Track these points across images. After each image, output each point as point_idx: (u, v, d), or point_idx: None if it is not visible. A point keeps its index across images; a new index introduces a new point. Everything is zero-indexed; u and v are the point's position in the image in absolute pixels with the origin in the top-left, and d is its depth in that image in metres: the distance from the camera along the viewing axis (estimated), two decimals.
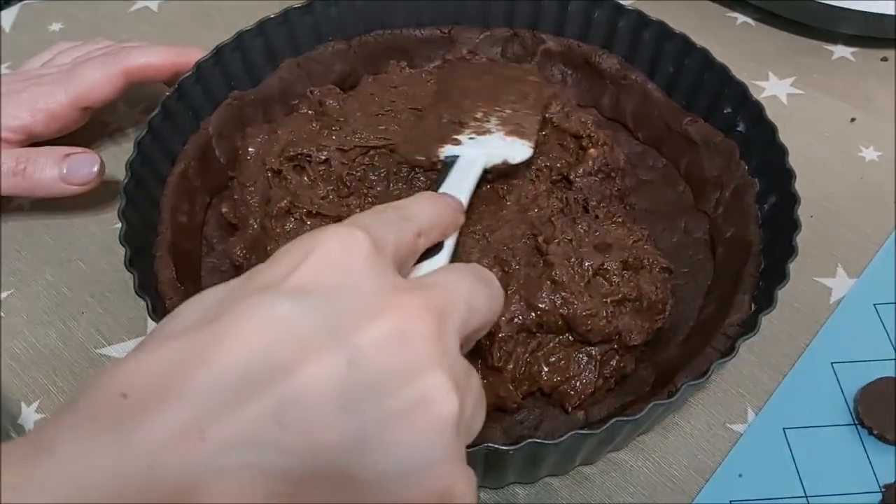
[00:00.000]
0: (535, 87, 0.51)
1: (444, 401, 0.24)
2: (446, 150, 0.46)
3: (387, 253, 0.28)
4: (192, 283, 0.45)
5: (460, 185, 0.41)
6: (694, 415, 0.44)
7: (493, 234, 0.44)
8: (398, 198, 0.46)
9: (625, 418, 0.35)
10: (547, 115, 0.50)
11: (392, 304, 0.25)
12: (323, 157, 0.47)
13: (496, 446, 0.34)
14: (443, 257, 0.34)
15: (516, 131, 0.47)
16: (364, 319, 0.24)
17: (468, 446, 0.33)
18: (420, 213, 0.33)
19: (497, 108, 0.49)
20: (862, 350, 0.46)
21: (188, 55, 0.52)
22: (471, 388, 0.27)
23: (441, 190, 0.40)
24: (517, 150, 0.46)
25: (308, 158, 0.47)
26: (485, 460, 0.36)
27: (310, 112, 0.51)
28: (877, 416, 0.43)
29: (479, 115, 0.48)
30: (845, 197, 0.54)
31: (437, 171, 0.45)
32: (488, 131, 0.47)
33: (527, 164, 0.46)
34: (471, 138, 0.46)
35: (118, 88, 0.52)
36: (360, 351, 0.24)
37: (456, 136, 0.47)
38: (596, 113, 0.56)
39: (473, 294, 0.29)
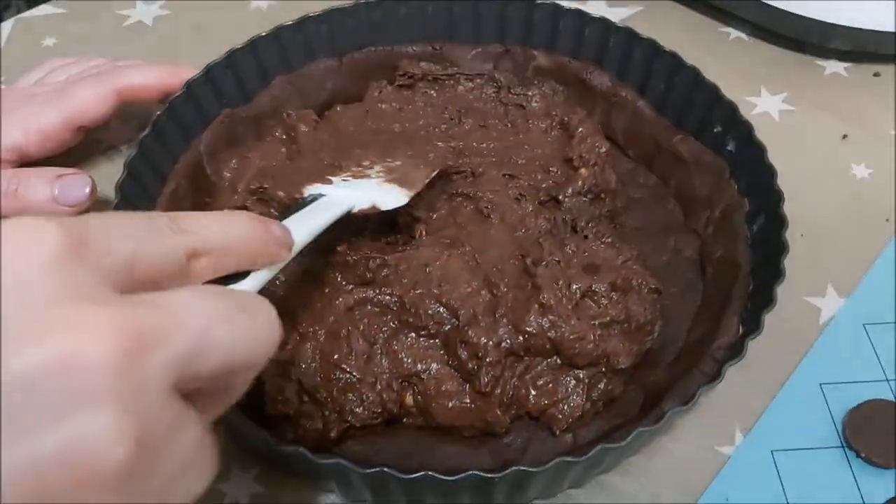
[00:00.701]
0: (442, 151, 0.49)
1: (104, 450, 0.20)
2: (312, 188, 0.43)
3: (97, 260, 0.23)
4: None
5: (307, 220, 0.37)
6: (682, 437, 0.44)
7: (482, 256, 0.44)
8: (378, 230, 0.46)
9: (610, 445, 0.36)
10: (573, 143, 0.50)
11: (67, 321, 0.20)
12: (281, 195, 0.45)
13: (481, 474, 0.34)
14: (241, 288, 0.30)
15: (398, 180, 0.45)
16: (27, 338, 0.20)
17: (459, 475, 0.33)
18: (206, 230, 0.27)
19: (388, 160, 0.47)
20: (851, 371, 0.46)
21: (181, 74, 0.52)
22: (173, 444, 0.22)
23: (284, 221, 0.36)
24: (391, 197, 0.43)
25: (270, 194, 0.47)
26: (472, 486, 0.36)
27: (283, 137, 0.51)
28: (865, 439, 0.43)
29: (365, 162, 0.46)
30: (836, 215, 0.54)
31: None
32: (367, 176, 0.45)
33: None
34: (344, 180, 0.44)
35: (111, 108, 0.52)
36: (12, 377, 0.19)
37: (329, 177, 0.44)
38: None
39: (213, 323, 0.24)
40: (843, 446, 0.43)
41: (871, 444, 0.43)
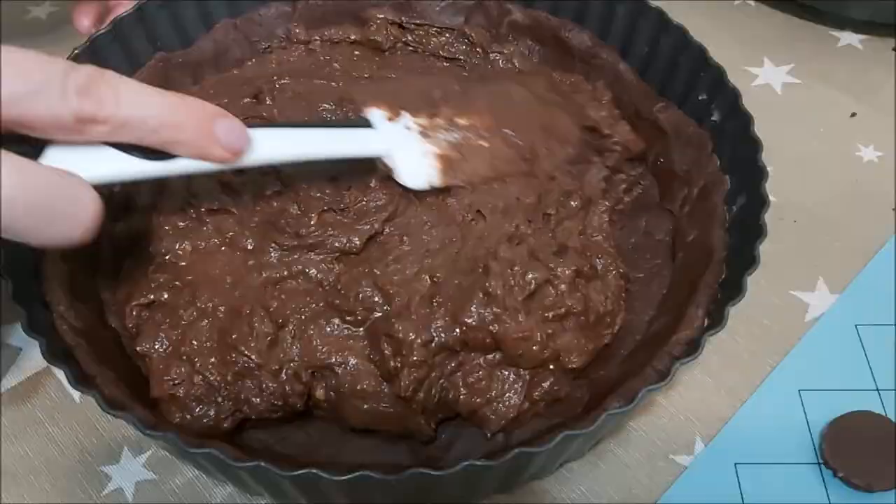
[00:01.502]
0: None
1: None
2: (371, 112, 0.39)
3: None
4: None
5: (310, 142, 0.35)
6: (632, 441, 0.38)
7: (464, 244, 0.39)
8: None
9: (530, 449, 0.30)
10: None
11: None
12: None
13: (371, 474, 0.29)
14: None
15: (447, 160, 0.39)
16: None
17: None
18: (116, 105, 0.27)
19: (460, 119, 0.41)
20: (836, 377, 0.41)
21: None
22: None
23: (272, 129, 0.34)
24: (414, 174, 0.38)
25: None
26: (368, 489, 0.31)
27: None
28: (844, 457, 0.37)
29: (463, 121, 0.41)
30: (837, 201, 0.48)
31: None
32: (427, 136, 0.40)
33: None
34: (406, 127, 0.40)
35: None
36: None
37: (401, 111, 0.40)
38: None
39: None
40: (818, 463, 0.38)
41: (851, 462, 0.37)
